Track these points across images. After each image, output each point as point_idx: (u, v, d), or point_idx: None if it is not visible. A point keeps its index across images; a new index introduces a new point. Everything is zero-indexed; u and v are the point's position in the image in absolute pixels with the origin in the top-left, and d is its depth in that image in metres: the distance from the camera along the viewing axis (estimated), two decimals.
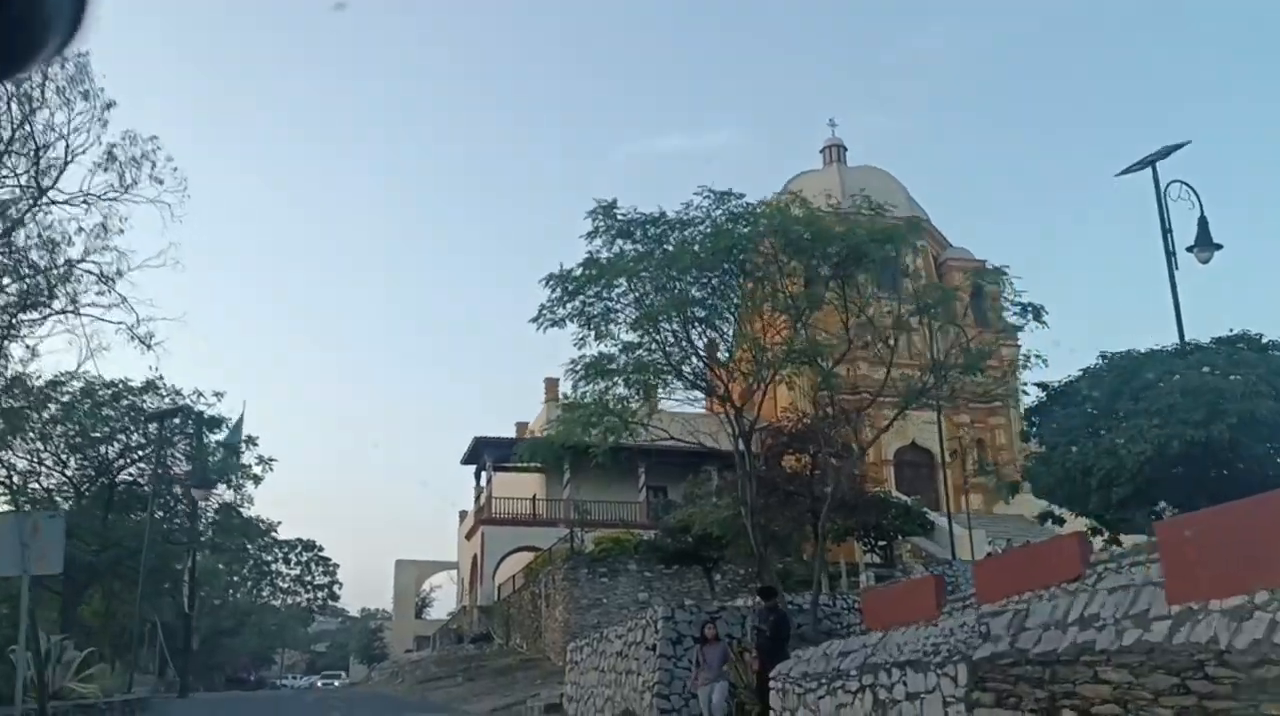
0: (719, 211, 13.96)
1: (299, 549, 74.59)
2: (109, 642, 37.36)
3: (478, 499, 45.60)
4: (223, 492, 27.52)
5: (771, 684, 10.77)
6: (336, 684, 51.91)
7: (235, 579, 68.55)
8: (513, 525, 42.25)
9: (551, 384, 48.93)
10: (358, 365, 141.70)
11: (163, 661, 28.14)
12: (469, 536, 45.49)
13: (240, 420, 64.56)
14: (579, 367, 14.50)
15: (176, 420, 25.46)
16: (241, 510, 27.83)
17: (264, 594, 70.79)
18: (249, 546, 28.69)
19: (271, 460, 27.67)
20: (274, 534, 28.34)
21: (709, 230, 13.90)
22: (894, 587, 16.82)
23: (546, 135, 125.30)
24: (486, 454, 42.71)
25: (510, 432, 44.52)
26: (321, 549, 75.07)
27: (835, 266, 13.87)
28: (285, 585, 74.26)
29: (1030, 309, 14.16)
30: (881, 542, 29.27)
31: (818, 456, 21.94)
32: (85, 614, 28.30)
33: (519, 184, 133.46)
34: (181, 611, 28.46)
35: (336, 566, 75.04)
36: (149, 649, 33.27)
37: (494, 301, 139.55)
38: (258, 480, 27.40)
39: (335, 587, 74.75)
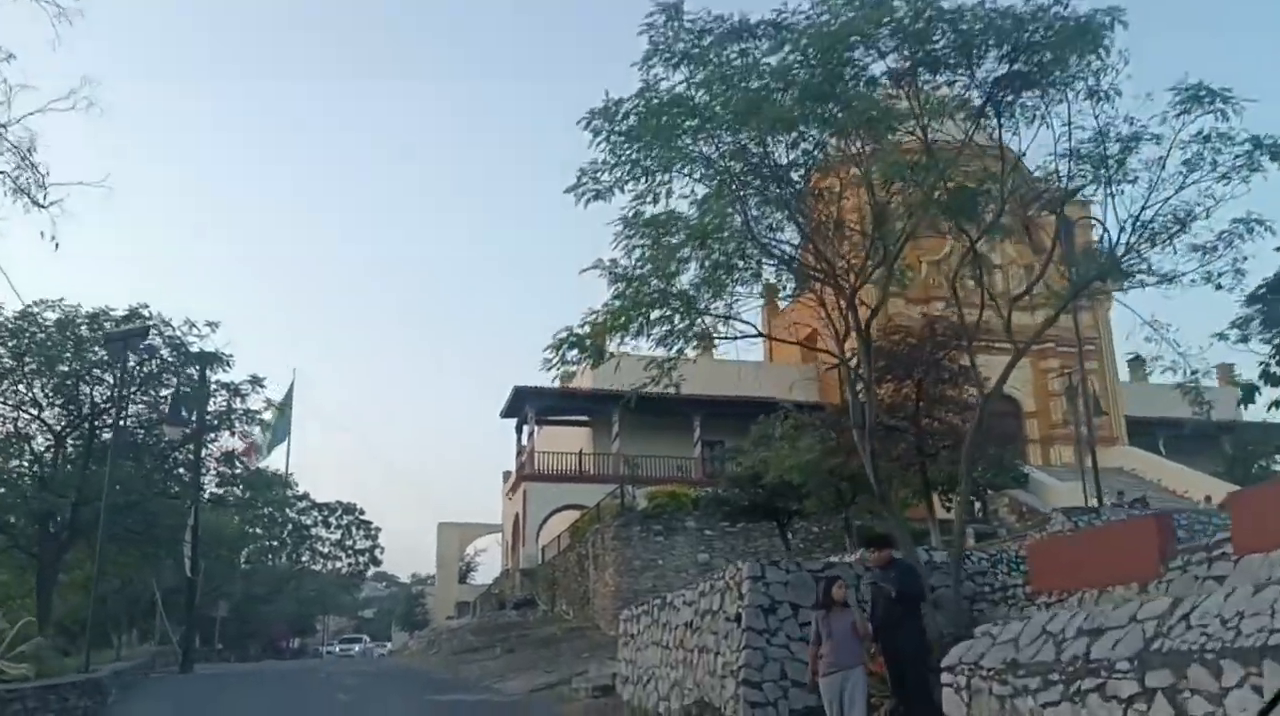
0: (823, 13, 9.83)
1: (339, 512, 72.07)
2: (125, 610, 34.56)
3: (519, 454, 42.10)
4: (225, 439, 24.25)
5: (946, 676, 6.89)
6: (356, 650, 47.89)
7: (275, 543, 66.19)
8: (557, 481, 38.73)
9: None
10: (396, 325, 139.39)
11: (186, 630, 24.98)
12: (510, 494, 42.10)
13: (290, 389, 61.75)
14: (634, 228, 10.46)
15: (165, 353, 22.08)
16: (244, 459, 24.49)
17: (303, 558, 68.39)
18: (259, 501, 25.00)
19: (282, 405, 24.24)
20: (291, 488, 24.12)
21: (811, 45, 9.78)
22: (1082, 536, 12.77)
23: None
24: (528, 405, 39.11)
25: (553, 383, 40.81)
26: (362, 512, 72.41)
27: (998, 83, 9.70)
28: (326, 550, 71.89)
29: (1268, 147, 9.85)
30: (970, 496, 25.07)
31: (924, 383, 18.02)
32: (79, 578, 25.25)
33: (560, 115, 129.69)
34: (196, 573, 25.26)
35: (378, 530, 72.38)
36: (162, 618, 30.28)
37: (537, 246, 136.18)
38: (267, 426, 24.01)
39: (377, 552, 72.21)
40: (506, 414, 41.47)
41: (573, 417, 42.49)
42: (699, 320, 11.84)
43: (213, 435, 23.84)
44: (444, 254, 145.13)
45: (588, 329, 10.77)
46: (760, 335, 13.81)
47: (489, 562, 78.44)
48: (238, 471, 24.26)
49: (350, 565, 72.03)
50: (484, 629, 31.74)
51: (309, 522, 68.15)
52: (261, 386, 24.00)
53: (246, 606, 50.67)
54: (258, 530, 65.77)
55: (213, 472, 24.14)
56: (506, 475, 53.21)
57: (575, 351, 10.80)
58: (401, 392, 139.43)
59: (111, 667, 21.54)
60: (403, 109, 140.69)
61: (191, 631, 24.71)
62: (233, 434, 23.85)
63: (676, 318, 10.77)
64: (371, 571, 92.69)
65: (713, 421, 40.34)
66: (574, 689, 16.37)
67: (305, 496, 65.96)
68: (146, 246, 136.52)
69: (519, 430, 41.76)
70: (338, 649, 50.03)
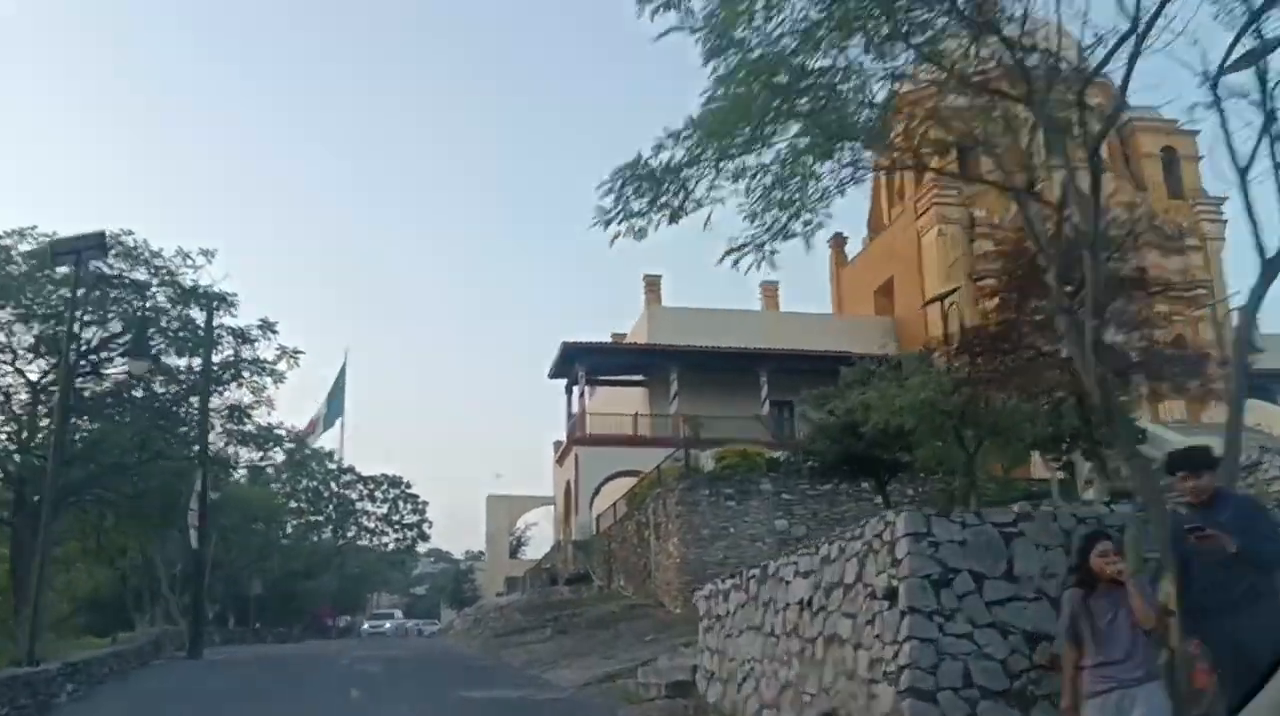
0: None
1: (384, 485, 69.51)
2: (147, 586, 31.86)
3: (569, 418, 38.78)
4: (232, 392, 21.10)
5: None
6: (388, 627, 44.33)
7: (319, 518, 63.81)
8: (611, 445, 35.33)
9: (653, 283, 41.73)
10: (441, 294, 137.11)
11: (194, 609, 21.88)
12: (560, 461, 38.86)
13: (343, 368, 58.90)
14: None
15: (163, 298, 18.87)
16: (253, 411, 21.34)
17: (349, 534, 65.95)
18: (261, 460, 21.79)
19: (297, 352, 21.10)
20: (306, 445, 20.76)
21: None
22: None
23: None
24: (578, 363, 35.71)
25: (605, 339, 37.26)
26: (409, 485, 69.80)
27: None
28: (372, 524, 69.42)
29: None
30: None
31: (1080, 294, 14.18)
32: (73, 550, 22.43)
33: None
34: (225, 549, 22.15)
35: (426, 504, 69.73)
36: (169, 597, 27.41)
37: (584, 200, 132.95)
38: (278, 377, 20.85)
39: (425, 527, 69.60)
40: (555, 374, 38.18)
41: (626, 378, 39.07)
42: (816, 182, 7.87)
43: (219, 388, 20.75)
44: (490, 218, 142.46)
45: (665, 153, 6.99)
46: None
47: (539, 537, 75.70)
48: (246, 427, 21.14)
49: (398, 540, 69.58)
50: (533, 606, 28.55)
51: (355, 497, 65.73)
52: (273, 332, 20.83)
53: (286, 583, 48.15)
54: (301, 503, 63.67)
55: (219, 429, 21.06)
56: (557, 445, 50.07)
57: (644, 194, 7.02)
58: (449, 363, 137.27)
59: (111, 650, 18.63)
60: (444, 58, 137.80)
61: (200, 610, 21.70)
62: (240, 386, 20.76)
63: (804, 140, 6.90)
64: (425, 548, 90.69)
65: (781, 378, 36.68)
66: (641, 683, 12.95)
67: (350, 469, 63.54)
68: (188, 224, 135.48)
69: (569, 391, 38.44)
70: (367, 626, 46.83)
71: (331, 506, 63.89)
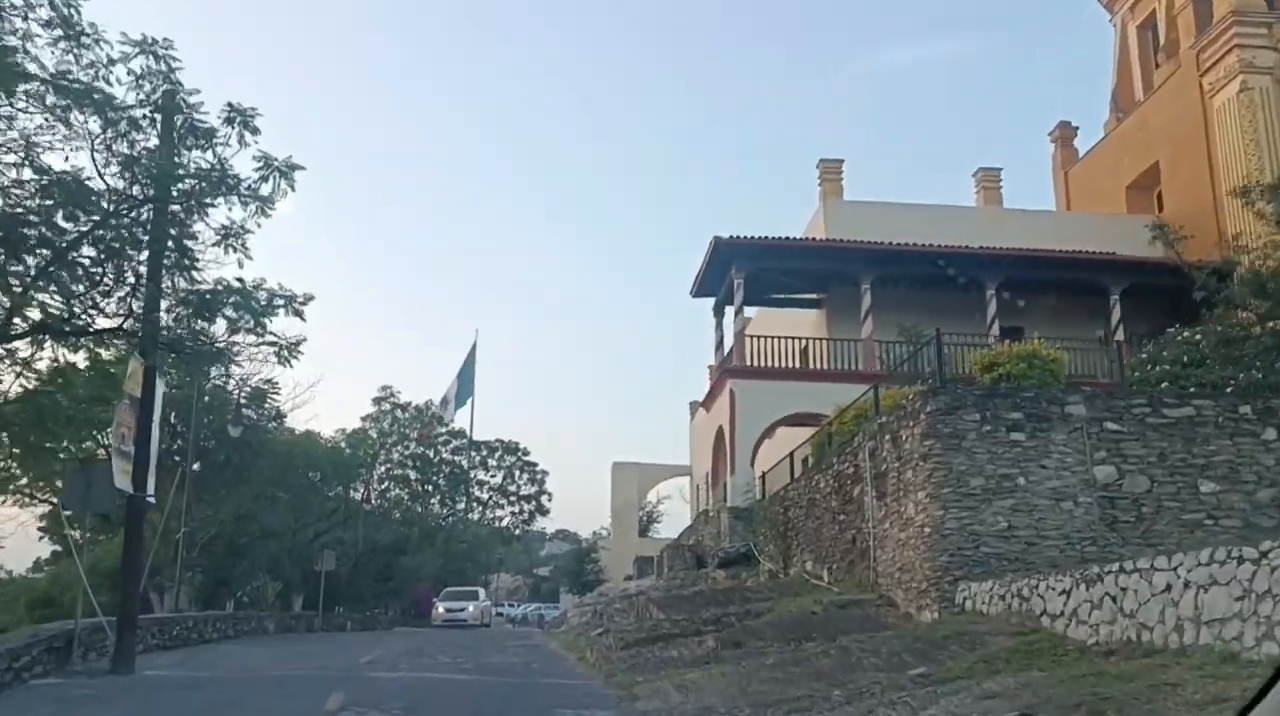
0: None
1: (499, 452, 61.78)
2: (170, 560, 24.28)
3: (718, 347, 29.49)
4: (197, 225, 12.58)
5: None
6: (469, 612, 32.84)
7: (428, 488, 56.40)
8: (780, 378, 25.93)
9: (831, 170, 31.86)
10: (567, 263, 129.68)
11: (124, 592, 13.63)
12: (708, 404, 29.60)
13: (473, 349, 51.22)
14: None
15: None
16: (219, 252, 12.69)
17: (459, 506, 58.43)
18: (251, 341, 13.24)
19: (294, 167, 12.42)
20: (296, 305, 12.03)
21: None
22: None
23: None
24: (733, 267, 26.27)
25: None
26: (526, 452, 61.96)
27: None
28: (485, 496, 61.78)
29: None
30: None
31: None
32: None
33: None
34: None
35: (545, 473, 61.79)
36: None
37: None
38: (266, 204, 12.30)
39: (544, 499, 61.60)
40: (701, 290, 28.92)
41: (796, 297, 29.54)
42: None
43: (189, 216, 12.42)
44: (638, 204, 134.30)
45: None
46: None
47: (673, 516, 66.80)
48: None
49: (514, 513, 61.83)
50: (677, 598, 19.47)
51: (467, 465, 58.14)
52: (250, 129, 12.22)
53: (375, 558, 40.38)
54: (408, 470, 56.37)
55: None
56: (693, 406, 40.93)
57: None
58: (575, 330, 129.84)
59: None
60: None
61: (131, 599, 13.27)
62: (215, 206, 12.26)
63: None
64: (553, 528, 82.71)
65: (1011, 293, 26.59)
66: None
67: (460, 433, 55.93)
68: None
69: (718, 312, 29.14)
70: (442, 609, 34.41)
71: (441, 476, 56.51)
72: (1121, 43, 33.98)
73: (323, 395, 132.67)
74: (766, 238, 26.17)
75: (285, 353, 12.85)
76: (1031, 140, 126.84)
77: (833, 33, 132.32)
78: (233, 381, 23.65)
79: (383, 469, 49.92)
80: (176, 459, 24.18)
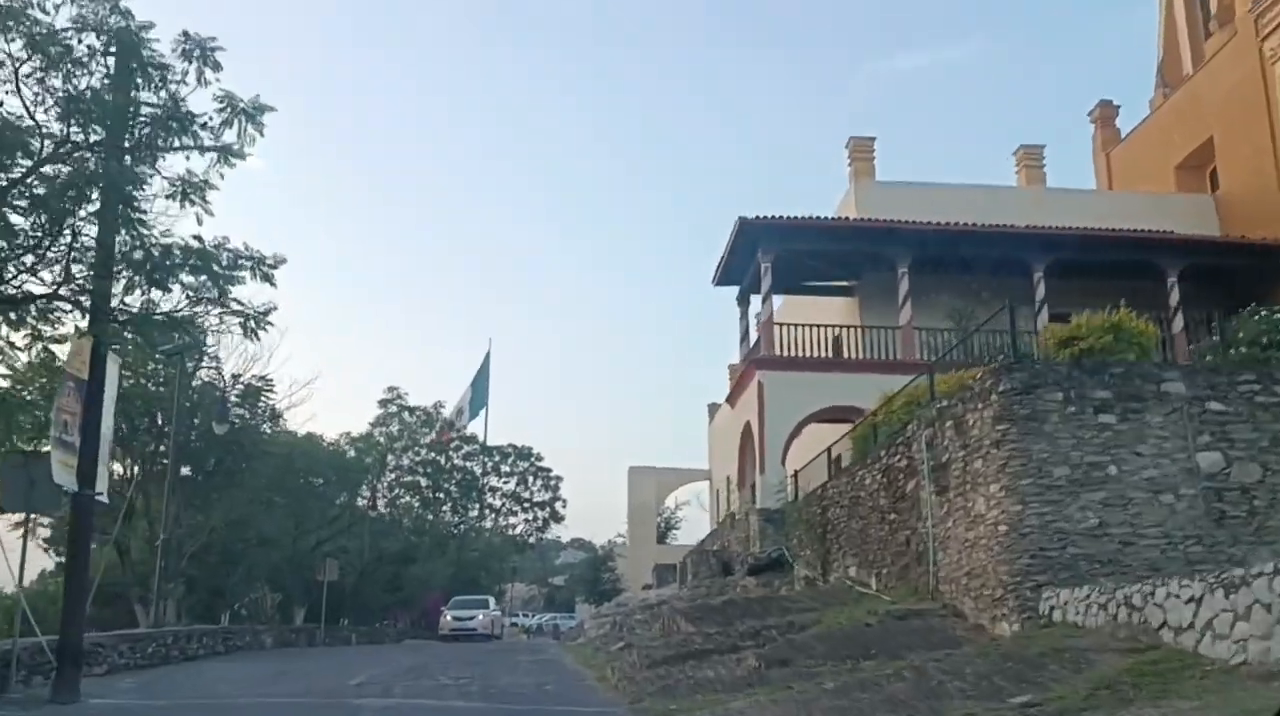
0: None
1: (511, 457, 59.79)
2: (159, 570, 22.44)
3: (743, 339, 27.56)
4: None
5: None
6: (478, 621, 30.02)
7: (439, 495, 54.52)
8: (810, 369, 23.99)
9: (862, 148, 29.87)
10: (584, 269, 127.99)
11: (67, 607, 11.83)
12: (733, 400, 27.66)
13: (487, 358, 49.40)
14: None
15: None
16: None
17: (471, 513, 56.45)
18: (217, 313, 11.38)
19: (262, 108, 10.57)
20: (264, 267, 10.22)
21: None
22: None
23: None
24: (760, 249, 24.35)
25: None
26: (540, 457, 59.95)
27: None
28: (498, 502, 59.78)
29: None
30: None
31: None
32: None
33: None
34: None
35: (559, 479, 59.75)
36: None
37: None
38: (230, 153, 10.48)
39: (558, 506, 59.54)
40: (724, 279, 27.04)
41: (826, 283, 27.62)
42: None
43: (137, 165, 10.66)
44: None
45: None
46: None
47: (691, 522, 64.75)
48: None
49: (528, 521, 59.79)
50: (706, 609, 17.51)
51: (479, 471, 56.20)
52: (211, 65, 10.43)
53: (383, 568, 38.51)
54: (418, 477, 54.49)
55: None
56: (712, 408, 39.06)
57: None
58: (591, 333, 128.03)
59: None
60: None
61: (77, 612, 11.37)
62: (172, 150, 10.47)
63: None
64: (568, 537, 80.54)
65: (1060, 275, 24.56)
66: None
67: (473, 438, 54.02)
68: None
69: (742, 302, 27.21)
70: (450, 617, 32.13)
71: (452, 482, 54.58)
72: (1168, 13, 31.94)
73: (322, 394, 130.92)
74: (796, 217, 24.24)
75: (253, 323, 11.01)
76: (1068, 127, 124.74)
77: (852, 35, 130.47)
78: (222, 375, 21.81)
79: (392, 475, 48.00)
80: (164, 462, 22.46)
